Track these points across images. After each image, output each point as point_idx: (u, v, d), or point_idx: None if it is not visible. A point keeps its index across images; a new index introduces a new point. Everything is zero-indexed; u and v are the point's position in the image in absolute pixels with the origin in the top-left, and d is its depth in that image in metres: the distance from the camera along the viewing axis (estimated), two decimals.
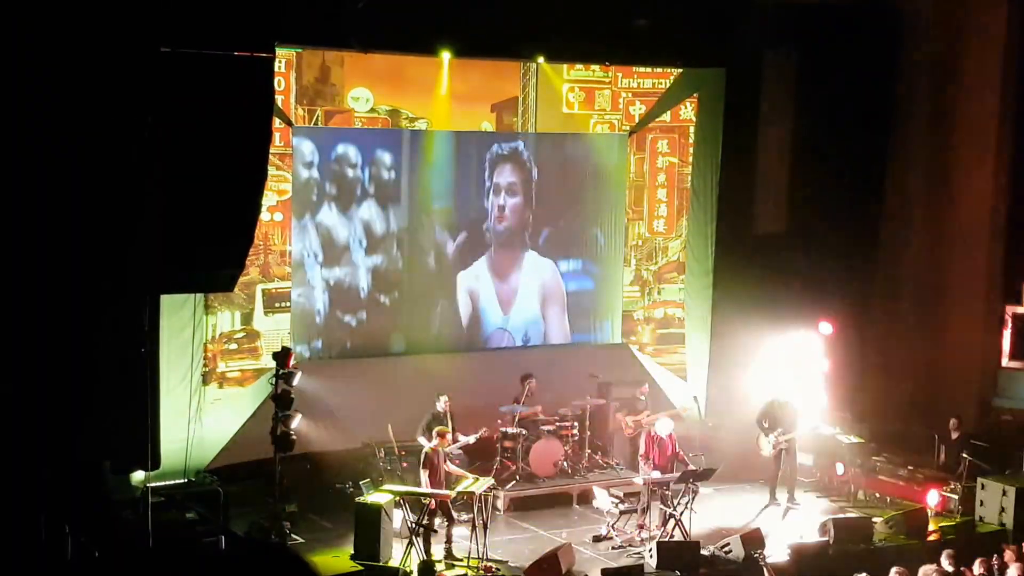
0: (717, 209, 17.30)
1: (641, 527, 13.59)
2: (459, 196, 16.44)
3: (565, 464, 15.19)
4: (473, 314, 16.69)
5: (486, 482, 13.04)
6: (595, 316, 17.62)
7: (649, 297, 18.06)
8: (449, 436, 13.44)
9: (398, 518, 12.97)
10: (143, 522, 12.71)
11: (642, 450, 14.09)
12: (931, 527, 14.10)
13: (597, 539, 13.65)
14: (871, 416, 16.43)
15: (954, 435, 15.45)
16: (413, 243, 16.22)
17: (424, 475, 12.97)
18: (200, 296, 14.47)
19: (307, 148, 15.42)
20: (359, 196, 15.80)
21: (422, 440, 13.98)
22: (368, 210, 15.86)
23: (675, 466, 13.85)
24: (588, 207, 17.35)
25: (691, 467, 13.84)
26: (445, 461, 13.26)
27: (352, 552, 12.73)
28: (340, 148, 15.65)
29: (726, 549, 13.02)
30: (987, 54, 16.60)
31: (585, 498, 14.49)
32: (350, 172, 15.72)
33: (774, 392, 15.12)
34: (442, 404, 14.35)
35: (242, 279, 14.38)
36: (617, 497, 13.86)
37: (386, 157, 15.92)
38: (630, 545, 13.44)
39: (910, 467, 15.55)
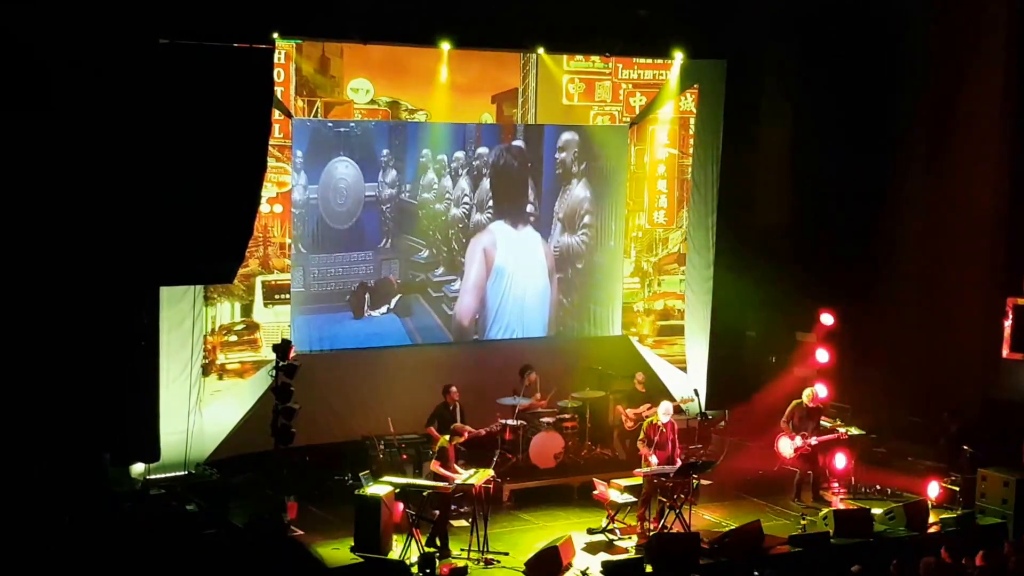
0: (718, 201, 17.29)
1: (641, 519, 13.57)
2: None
3: (566, 456, 15.19)
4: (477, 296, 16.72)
5: (486, 474, 13.03)
6: (594, 306, 17.64)
7: (649, 289, 18.05)
8: (466, 433, 13.45)
9: (398, 510, 12.96)
10: (143, 514, 12.73)
11: (642, 436, 14.03)
12: (931, 519, 14.08)
13: (597, 531, 13.64)
14: (871, 407, 16.40)
15: (953, 427, 15.44)
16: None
17: (436, 466, 12.97)
18: (200, 288, 14.48)
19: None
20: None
21: (433, 430, 13.97)
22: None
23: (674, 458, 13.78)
24: (588, 198, 17.32)
25: (691, 459, 13.82)
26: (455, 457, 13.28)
27: (352, 544, 12.72)
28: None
29: (727, 542, 13.02)
30: (990, 44, 16.54)
31: (585, 490, 14.46)
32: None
33: (801, 394, 15.01)
34: (449, 397, 14.33)
35: (242, 271, 14.45)
36: (618, 489, 13.85)
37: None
38: (630, 537, 13.43)
39: (910, 458, 15.54)
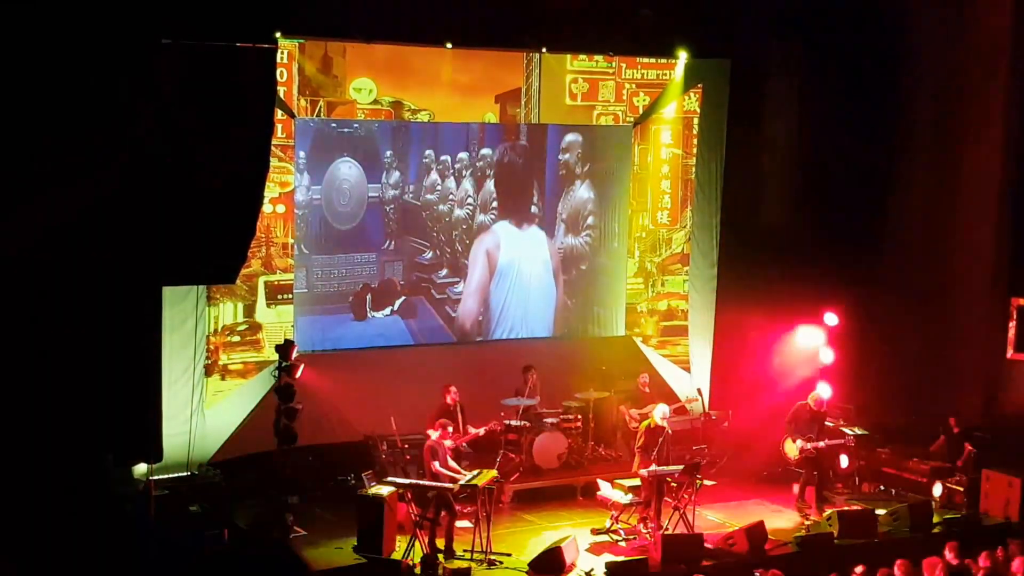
0: (722, 201, 17.24)
1: (645, 520, 13.54)
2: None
3: (569, 457, 15.16)
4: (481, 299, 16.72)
5: (490, 475, 13.00)
6: (597, 307, 17.61)
7: (653, 289, 18.02)
8: (450, 428, 13.40)
9: (401, 511, 12.94)
10: (146, 515, 12.72)
11: (641, 443, 13.97)
12: (935, 519, 14.06)
13: (601, 532, 13.62)
14: (876, 408, 16.37)
15: (957, 428, 15.40)
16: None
17: (435, 465, 12.94)
18: (202, 288, 14.47)
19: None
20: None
21: (431, 432, 13.95)
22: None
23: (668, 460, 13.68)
24: (591, 199, 17.29)
25: (695, 460, 13.79)
26: (449, 453, 13.22)
27: (355, 544, 12.70)
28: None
29: (730, 543, 12.99)
30: (993, 44, 16.51)
31: (589, 491, 14.45)
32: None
33: (806, 396, 14.96)
34: (450, 397, 14.29)
35: (244, 271, 14.41)
36: (621, 490, 13.82)
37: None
38: (634, 538, 13.40)
39: (915, 459, 15.51)
